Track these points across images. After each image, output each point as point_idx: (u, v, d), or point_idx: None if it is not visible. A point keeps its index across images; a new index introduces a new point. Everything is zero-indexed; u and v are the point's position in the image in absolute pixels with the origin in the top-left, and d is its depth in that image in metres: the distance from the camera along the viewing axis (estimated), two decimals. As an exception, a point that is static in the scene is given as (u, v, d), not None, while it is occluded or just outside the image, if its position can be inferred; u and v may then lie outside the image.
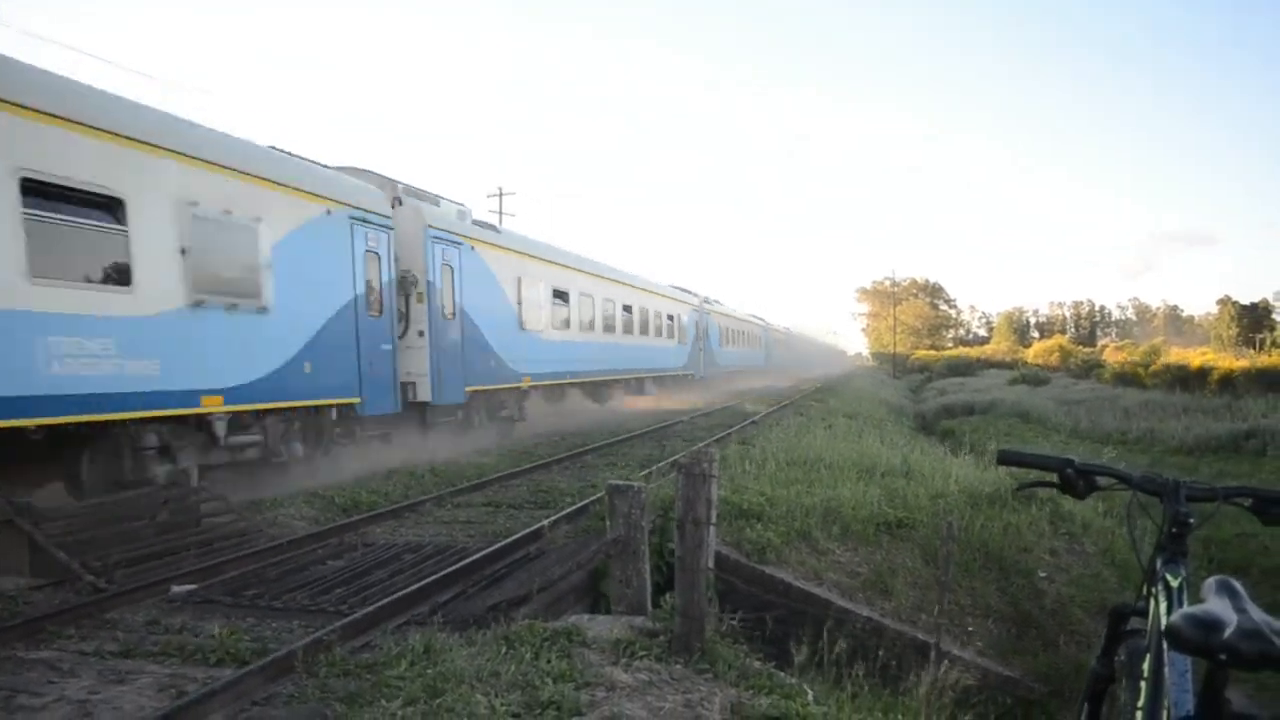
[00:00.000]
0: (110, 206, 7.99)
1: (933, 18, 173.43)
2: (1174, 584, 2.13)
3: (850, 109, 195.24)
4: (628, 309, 23.93)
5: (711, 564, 4.66)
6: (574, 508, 9.01)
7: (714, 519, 4.62)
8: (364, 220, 11.99)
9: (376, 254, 12.31)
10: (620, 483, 5.65)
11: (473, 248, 15.04)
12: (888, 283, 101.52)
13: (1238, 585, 1.69)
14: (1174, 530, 2.22)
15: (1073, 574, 8.46)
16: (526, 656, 4.32)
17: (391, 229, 12.73)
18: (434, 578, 6.40)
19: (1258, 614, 1.56)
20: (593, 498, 9.23)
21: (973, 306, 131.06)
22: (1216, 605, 1.61)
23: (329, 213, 11.20)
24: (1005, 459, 2.60)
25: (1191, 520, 2.23)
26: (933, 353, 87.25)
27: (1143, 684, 2.01)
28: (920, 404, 39.16)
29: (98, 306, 7.79)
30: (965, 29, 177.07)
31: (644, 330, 25.74)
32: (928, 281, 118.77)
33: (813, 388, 37.32)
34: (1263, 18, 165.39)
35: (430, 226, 13.74)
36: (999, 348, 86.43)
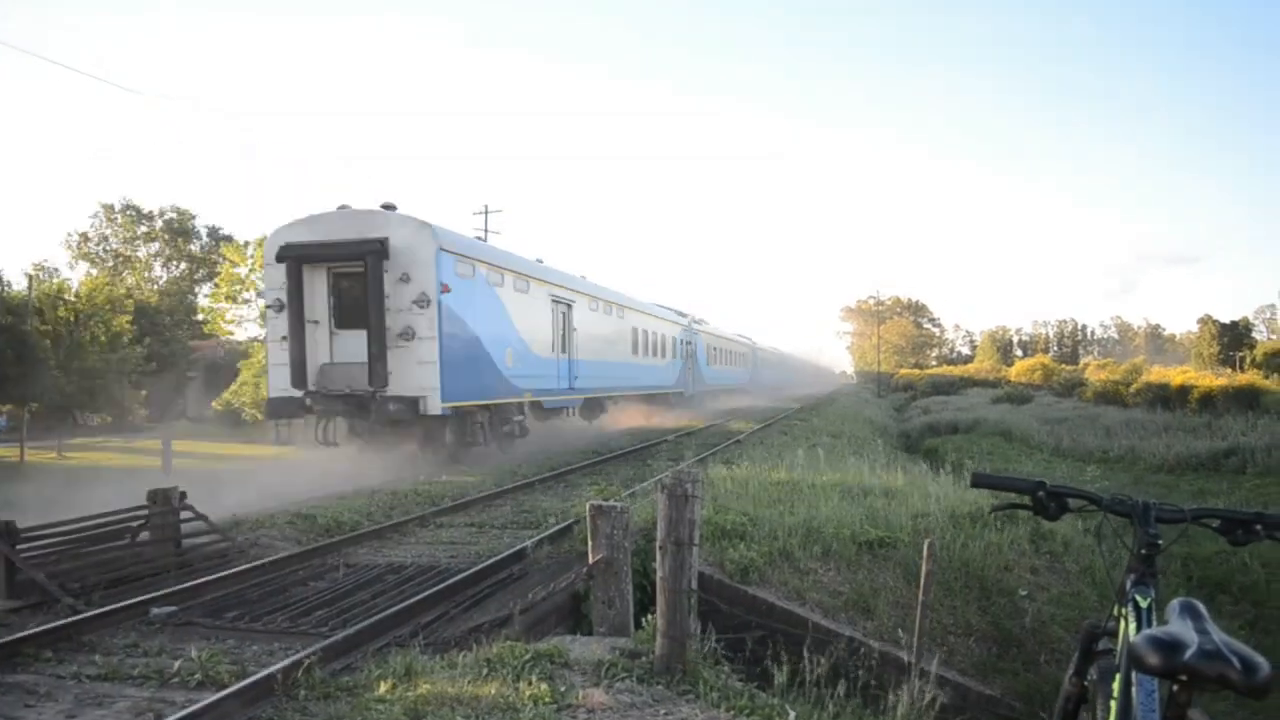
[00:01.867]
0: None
1: (917, 36, 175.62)
2: (1143, 604, 2.17)
3: (833, 126, 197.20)
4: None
5: (694, 585, 4.67)
6: (557, 528, 9.00)
7: (697, 540, 4.63)
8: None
9: None
10: (603, 503, 5.65)
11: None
12: (872, 301, 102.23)
13: (1200, 607, 1.73)
14: (1143, 551, 2.26)
15: (1053, 592, 8.49)
16: (508, 678, 4.32)
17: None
18: (416, 599, 6.38)
19: (1218, 635, 1.59)
20: (576, 518, 9.22)
21: (957, 325, 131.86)
22: (1178, 627, 1.65)
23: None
24: (979, 482, 2.63)
25: (1160, 542, 2.27)
26: (917, 371, 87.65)
27: (1113, 703, 2.05)
28: (904, 422, 39.27)
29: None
30: (949, 47, 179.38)
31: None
32: (912, 300, 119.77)
33: (797, 406, 37.42)
34: (1249, 38, 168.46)
35: None
36: (982, 366, 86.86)
